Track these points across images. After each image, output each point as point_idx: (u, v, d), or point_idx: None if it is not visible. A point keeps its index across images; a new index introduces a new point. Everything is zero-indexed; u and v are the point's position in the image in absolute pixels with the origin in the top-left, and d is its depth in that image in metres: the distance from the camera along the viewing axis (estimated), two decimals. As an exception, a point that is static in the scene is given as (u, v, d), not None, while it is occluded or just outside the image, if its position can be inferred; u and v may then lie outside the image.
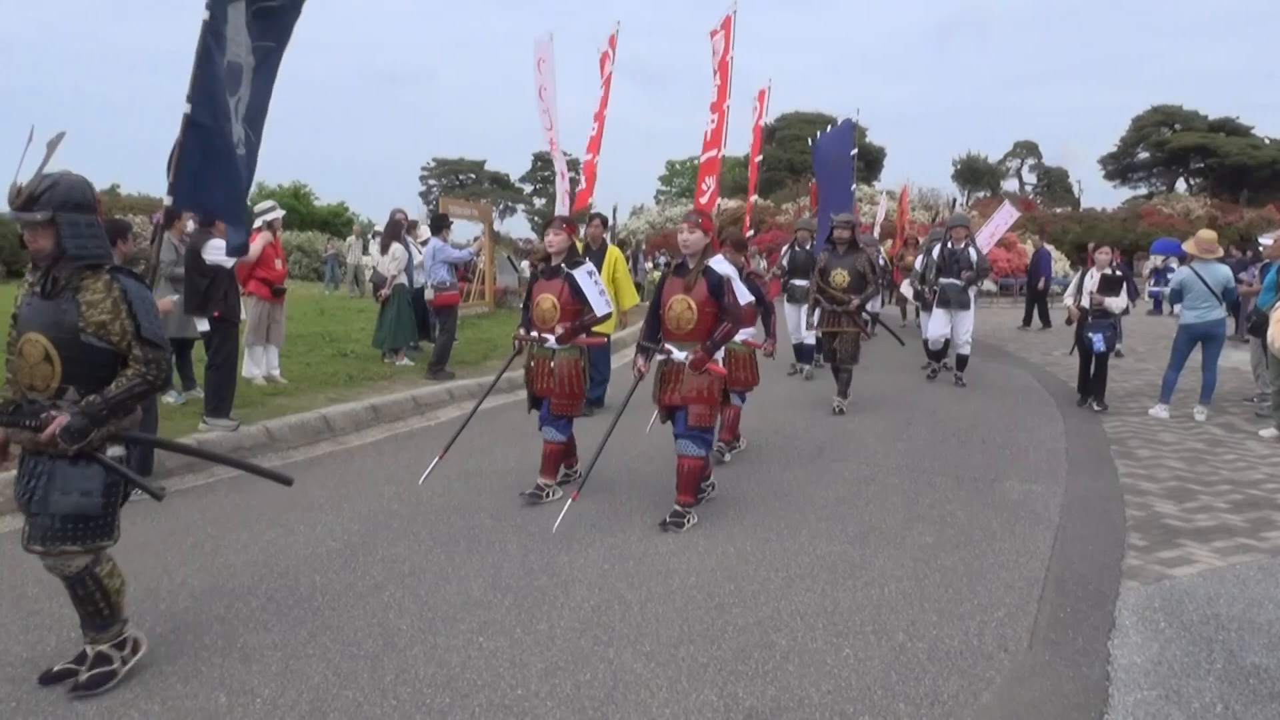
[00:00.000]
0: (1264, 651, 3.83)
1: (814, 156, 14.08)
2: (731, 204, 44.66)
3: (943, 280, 11.00)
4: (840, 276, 9.04)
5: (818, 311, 9.22)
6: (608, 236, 9.04)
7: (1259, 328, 8.95)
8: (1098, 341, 9.29)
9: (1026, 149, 68.96)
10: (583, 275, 5.87)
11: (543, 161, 74.10)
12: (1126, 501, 6.10)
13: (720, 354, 5.53)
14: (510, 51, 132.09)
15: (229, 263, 7.26)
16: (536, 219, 65.92)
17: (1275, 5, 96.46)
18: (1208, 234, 9.21)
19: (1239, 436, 8.31)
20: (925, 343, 11.87)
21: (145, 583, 4.37)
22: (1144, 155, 61.01)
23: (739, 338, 6.61)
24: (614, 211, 24.29)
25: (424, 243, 11.12)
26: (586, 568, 4.68)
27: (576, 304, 5.90)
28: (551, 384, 5.91)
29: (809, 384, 11.15)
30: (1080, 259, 34.05)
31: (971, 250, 10.94)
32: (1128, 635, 3.98)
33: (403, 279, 10.82)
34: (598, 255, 8.84)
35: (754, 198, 13.29)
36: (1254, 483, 6.62)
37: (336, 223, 43.61)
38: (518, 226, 72.63)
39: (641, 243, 28.76)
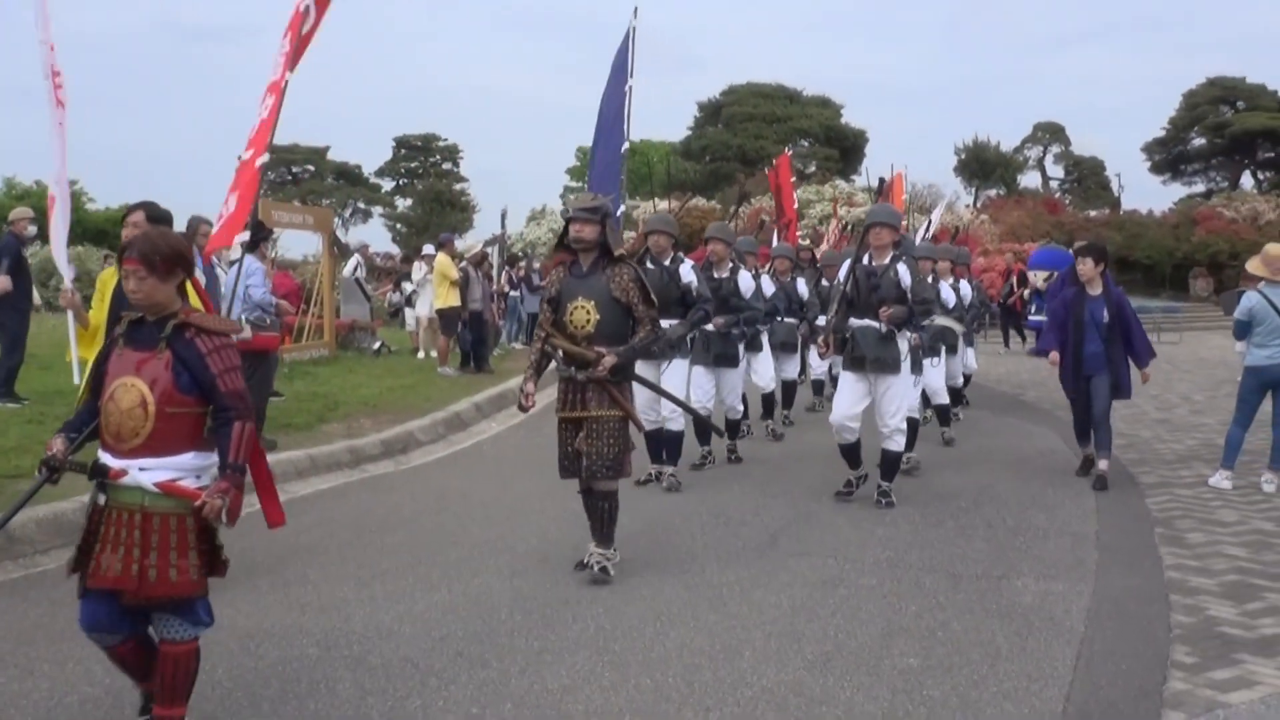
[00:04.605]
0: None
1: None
2: (664, 206, 45.14)
3: (853, 322, 8.69)
4: (582, 312, 6.69)
5: (559, 390, 6.84)
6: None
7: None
8: None
9: (1050, 133, 71.31)
10: None
11: (407, 149, 74.19)
12: (1172, 604, 6.27)
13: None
14: (360, 1, 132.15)
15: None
16: (399, 226, 65.61)
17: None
18: (1278, 249, 9.57)
19: (1319, 512, 8.62)
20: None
21: None
22: (1199, 142, 63.55)
23: (145, 480, 4.11)
24: (503, 217, 24.22)
25: (234, 263, 10.98)
26: (447, 713, 4.63)
27: None
28: None
29: (751, 450, 11.25)
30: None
31: (902, 269, 8.61)
32: (1168, 786, 4.07)
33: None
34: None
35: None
36: (1336, 574, 6.87)
37: (118, 233, 42.68)
38: (374, 236, 72.28)
39: (534, 260, 27.86)
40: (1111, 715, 4.71)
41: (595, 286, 6.69)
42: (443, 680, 4.98)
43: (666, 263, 9.07)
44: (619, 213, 8.24)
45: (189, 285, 4.40)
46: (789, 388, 13.13)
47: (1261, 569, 6.99)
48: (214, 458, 4.21)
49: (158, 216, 6.56)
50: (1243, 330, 9.48)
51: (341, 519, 8.15)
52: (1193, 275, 42.35)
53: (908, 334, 8.66)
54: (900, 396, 8.74)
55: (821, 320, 12.52)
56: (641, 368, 9.05)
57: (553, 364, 6.77)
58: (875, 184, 12.40)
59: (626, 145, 9.49)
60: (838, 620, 5.88)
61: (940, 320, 10.58)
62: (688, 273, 9.06)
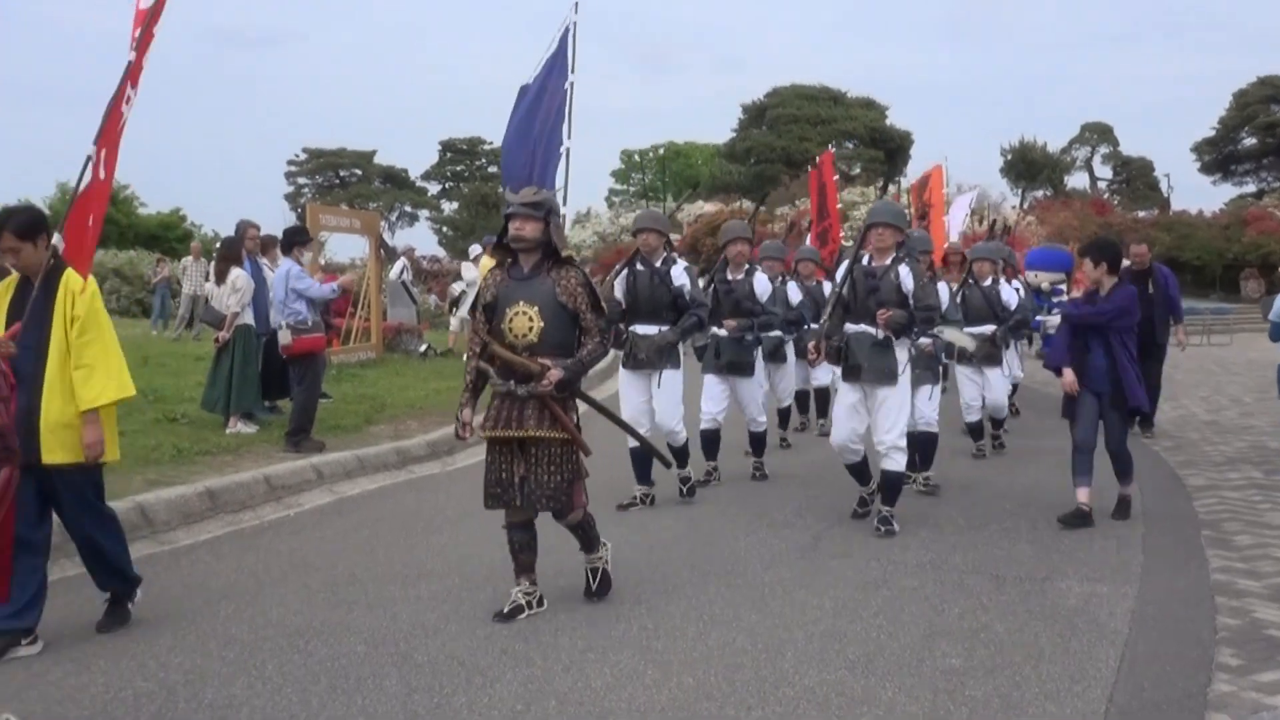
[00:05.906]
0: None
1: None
2: (709, 209, 45.22)
3: (849, 328, 7.95)
4: (523, 319, 5.88)
5: (492, 406, 6.00)
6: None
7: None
8: None
9: (1098, 133, 70.71)
10: None
11: (453, 152, 74.65)
12: (1218, 606, 6.23)
13: None
14: (405, 5, 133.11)
15: None
16: (446, 229, 66.04)
17: None
18: None
19: (1369, 515, 8.52)
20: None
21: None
22: (1250, 141, 62.73)
23: None
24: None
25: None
26: (492, 710, 4.67)
27: None
28: None
29: (795, 452, 11.25)
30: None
31: (904, 271, 7.83)
32: (1211, 788, 4.06)
33: (248, 317, 10.80)
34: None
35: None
36: (1386, 577, 6.79)
37: (169, 237, 43.58)
38: (420, 239, 72.67)
39: (586, 261, 28.81)
40: (1154, 716, 4.69)
41: (539, 290, 5.90)
42: (488, 678, 5.03)
43: (658, 264, 8.44)
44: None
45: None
46: (821, 394, 12.44)
47: (1310, 572, 6.94)
48: None
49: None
50: (1277, 332, 9.40)
51: (388, 519, 8.26)
52: (1244, 276, 41.84)
53: (904, 345, 7.92)
54: (898, 410, 7.93)
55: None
56: (631, 379, 8.59)
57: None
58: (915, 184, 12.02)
59: (567, 146, 9.13)
60: (880, 621, 5.89)
61: (948, 333, 9.31)
62: (680, 275, 8.39)
